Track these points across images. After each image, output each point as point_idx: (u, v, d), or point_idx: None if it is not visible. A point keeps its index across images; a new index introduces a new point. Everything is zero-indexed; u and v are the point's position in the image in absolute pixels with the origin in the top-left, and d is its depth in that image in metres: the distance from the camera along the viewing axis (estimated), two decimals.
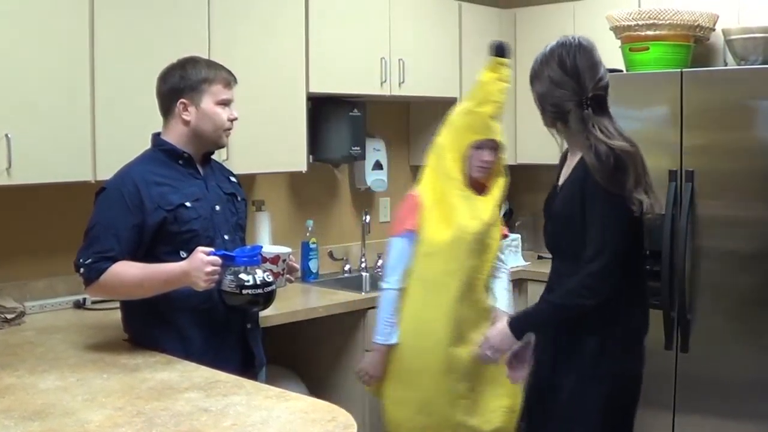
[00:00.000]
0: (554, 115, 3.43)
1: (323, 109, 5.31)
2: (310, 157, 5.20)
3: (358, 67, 5.26)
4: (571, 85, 3.35)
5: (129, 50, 4.17)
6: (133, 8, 4.20)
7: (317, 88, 5.03)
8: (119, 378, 3.04)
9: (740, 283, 4.65)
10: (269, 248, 3.59)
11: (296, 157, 4.97)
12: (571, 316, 3.36)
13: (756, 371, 4.60)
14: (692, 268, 4.76)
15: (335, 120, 5.37)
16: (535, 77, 3.47)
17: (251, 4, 4.68)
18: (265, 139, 4.71)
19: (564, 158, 3.61)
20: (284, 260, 3.55)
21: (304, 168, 5.02)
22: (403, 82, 5.47)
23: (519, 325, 3.52)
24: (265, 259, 3.40)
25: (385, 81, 5.38)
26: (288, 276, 3.60)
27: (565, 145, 3.61)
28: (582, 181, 3.31)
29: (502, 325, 3.57)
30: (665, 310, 4.79)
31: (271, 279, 3.34)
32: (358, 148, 5.52)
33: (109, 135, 4.09)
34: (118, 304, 3.64)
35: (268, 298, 3.36)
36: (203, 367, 3.16)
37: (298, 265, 3.68)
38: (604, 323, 3.34)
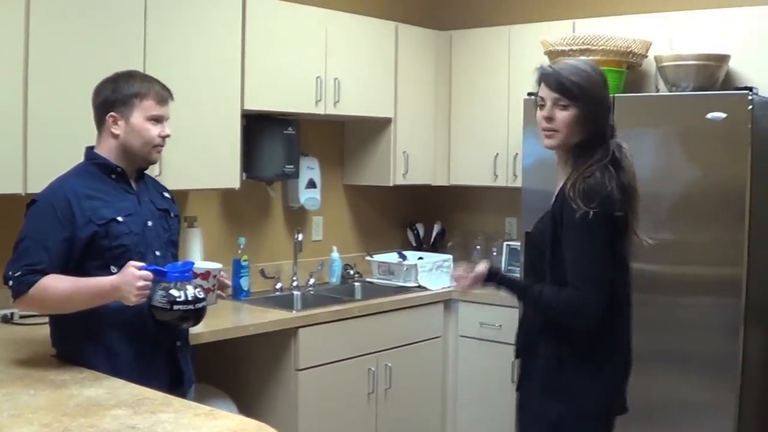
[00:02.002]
0: (590, 139, 3.33)
1: (258, 127, 5.30)
2: (244, 174, 5.18)
3: (294, 85, 5.26)
4: (610, 113, 3.37)
5: (62, 64, 4.13)
6: (67, 22, 4.16)
7: (252, 105, 5.02)
8: (46, 394, 3.00)
9: (667, 304, 4.73)
10: (200, 264, 3.58)
11: (229, 174, 4.94)
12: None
13: (682, 392, 4.67)
14: None
15: (269, 138, 5.37)
16: (591, 96, 3.32)
17: (188, 20, 4.66)
18: (199, 156, 4.69)
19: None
20: (215, 276, 3.54)
21: (237, 185, 5.00)
22: (338, 101, 5.48)
23: (503, 283, 3.53)
24: (195, 275, 3.39)
25: (320, 100, 5.38)
26: (219, 292, 3.58)
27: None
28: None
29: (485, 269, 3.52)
30: None
31: (202, 295, 3.33)
32: (292, 167, 5.51)
33: (40, 148, 4.04)
34: (46, 319, 3.59)
35: (198, 315, 3.35)
36: (131, 384, 3.12)
37: (229, 282, 3.66)
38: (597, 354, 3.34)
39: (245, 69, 4.96)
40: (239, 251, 5.36)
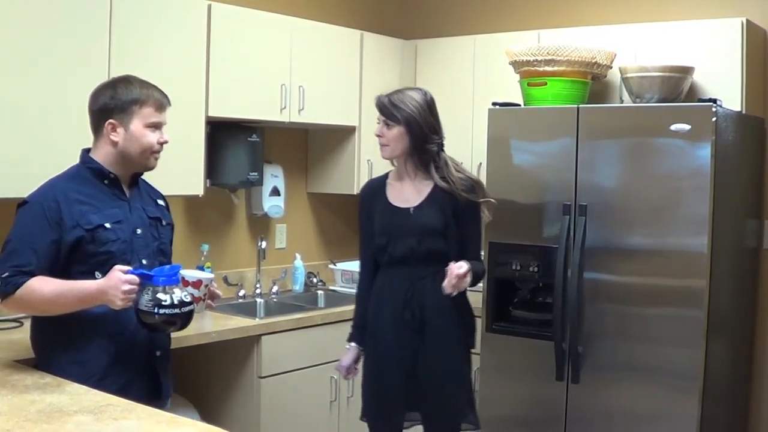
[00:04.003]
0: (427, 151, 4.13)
1: (222, 134, 5.28)
2: (207, 181, 5.16)
3: (258, 92, 5.25)
4: (440, 132, 4.20)
5: (25, 69, 4.09)
6: (31, 27, 4.12)
7: (216, 112, 5.00)
8: (8, 399, 2.97)
9: (631, 315, 4.74)
10: (192, 273, 3.55)
11: (193, 181, 4.92)
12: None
13: (646, 403, 4.67)
14: (584, 300, 4.83)
15: (233, 145, 5.35)
16: (413, 119, 4.08)
17: (152, 26, 4.64)
18: (163, 162, 4.61)
19: (381, 186, 4.26)
20: (206, 285, 3.51)
21: (200, 192, 4.99)
22: (302, 109, 5.46)
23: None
24: (187, 283, 3.37)
25: (285, 107, 5.37)
26: (209, 302, 3.55)
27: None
28: (452, 200, 4.08)
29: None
30: (557, 341, 4.85)
31: (189, 299, 3.31)
32: (256, 174, 5.50)
33: (7, 154, 4.00)
34: (10, 325, 3.57)
35: (185, 318, 3.33)
36: (94, 391, 3.10)
37: (220, 292, 3.63)
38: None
39: (210, 75, 4.94)
40: (202, 258, 5.33)
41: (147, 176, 4.39)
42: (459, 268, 3.89)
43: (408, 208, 4.14)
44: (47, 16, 4.19)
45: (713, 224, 4.54)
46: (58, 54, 4.19)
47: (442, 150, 4.18)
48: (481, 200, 4.16)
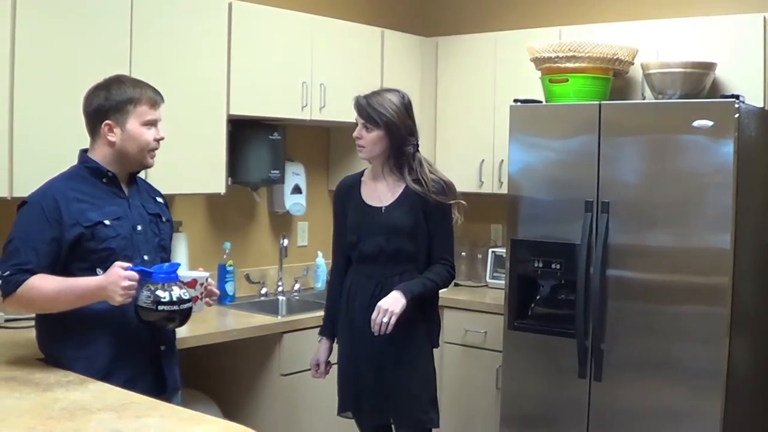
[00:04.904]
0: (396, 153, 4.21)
1: (243, 132, 5.29)
2: (229, 179, 5.16)
3: (280, 90, 5.26)
4: (416, 133, 4.26)
5: (48, 69, 4.12)
6: (54, 25, 4.14)
7: (238, 110, 5.01)
8: (32, 398, 2.98)
9: (653, 312, 4.71)
10: (186, 273, 3.55)
11: (215, 179, 4.94)
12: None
13: (669, 400, 4.66)
14: (606, 297, 4.81)
15: (255, 143, 5.36)
16: (391, 121, 4.15)
17: (174, 25, 4.65)
18: (184, 160, 4.68)
19: (355, 184, 4.35)
20: (202, 284, 3.51)
21: (222, 190, 4.99)
22: (323, 106, 5.47)
23: (408, 289, 4.08)
24: (182, 284, 3.37)
25: (306, 105, 5.38)
26: (207, 299, 3.56)
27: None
28: (423, 201, 4.15)
29: (393, 293, 4.05)
30: (579, 339, 4.84)
31: (187, 296, 3.32)
32: (277, 172, 5.51)
33: (26, 152, 4.03)
34: (32, 323, 3.58)
35: (184, 315, 3.33)
36: (117, 389, 3.11)
37: (217, 290, 3.64)
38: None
39: (231, 74, 4.95)
40: (224, 256, 5.35)
41: (169, 174, 4.44)
42: (383, 314, 4.00)
43: (380, 207, 4.22)
44: (69, 17, 4.21)
45: (736, 221, 4.52)
46: (79, 55, 4.21)
47: (417, 151, 4.24)
48: (452, 202, 4.23)
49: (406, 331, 4.11)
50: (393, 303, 4.00)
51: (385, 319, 3.97)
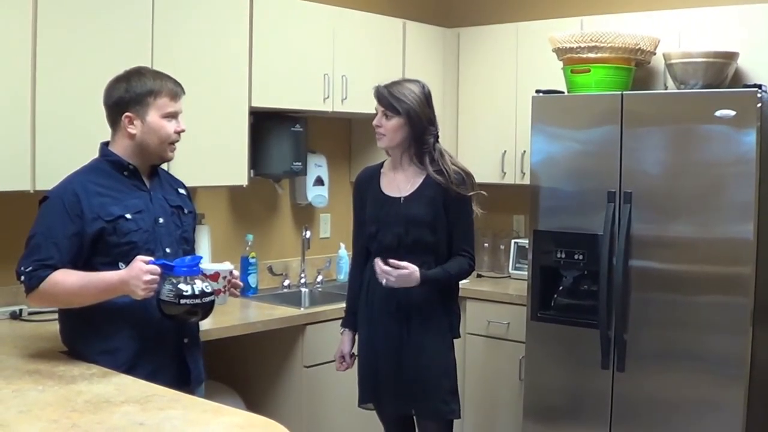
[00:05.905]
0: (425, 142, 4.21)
1: (265, 124, 5.30)
2: (251, 171, 5.18)
3: (301, 82, 5.26)
4: (436, 123, 4.28)
5: (70, 62, 4.14)
6: (75, 18, 4.16)
7: (260, 102, 5.02)
8: (55, 390, 3.00)
9: (676, 302, 4.70)
10: (209, 265, 3.55)
11: (237, 171, 4.95)
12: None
13: (691, 391, 4.65)
14: (629, 288, 4.80)
15: (277, 135, 5.37)
16: (412, 110, 4.16)
17: (195, 18, 4.67)
18: (207, 153, 4.69)
19: (375, 175, 4.38)
20: (224, 277, 3.51)
21: (245, 182, 5.01)
22: (345, 98, 5.47)
23: (424, 273, 4.08)
24: (204, 277, 3.38)
25: (328, 97, 5.38)
26: (232, 290, 3.56)
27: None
28: (443, 192, 4.16)
29: (416, 271, 4.06)
30: (602, 329, 4.83)
31: (210, 290, 3.32)
32: (300, 164, 5.51)
33: (49, 145, 4.05)
34: (55, 316, 3.60)
35: (206, 309, 3.34)
36: (140, 381, 3.13)
37: (240, 282, 3.63)
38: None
39: (253, 66, 4.96)
40: (247, 248, 5.37)
41: (191, 167, 4.45)
42: (404, 267, 4.04)
43: (399, 198, 4.23)
44: (91, 10, 4.23)
45: (759, 211, 4.50)
46: (101, 48, 4.23)
47: (437, 141, 4.25)
48: (471, 193, 4.24)
49: (426, 321, 4.16)
50: (406, 277, 4.04)
51: (390, 279, 4.03)
